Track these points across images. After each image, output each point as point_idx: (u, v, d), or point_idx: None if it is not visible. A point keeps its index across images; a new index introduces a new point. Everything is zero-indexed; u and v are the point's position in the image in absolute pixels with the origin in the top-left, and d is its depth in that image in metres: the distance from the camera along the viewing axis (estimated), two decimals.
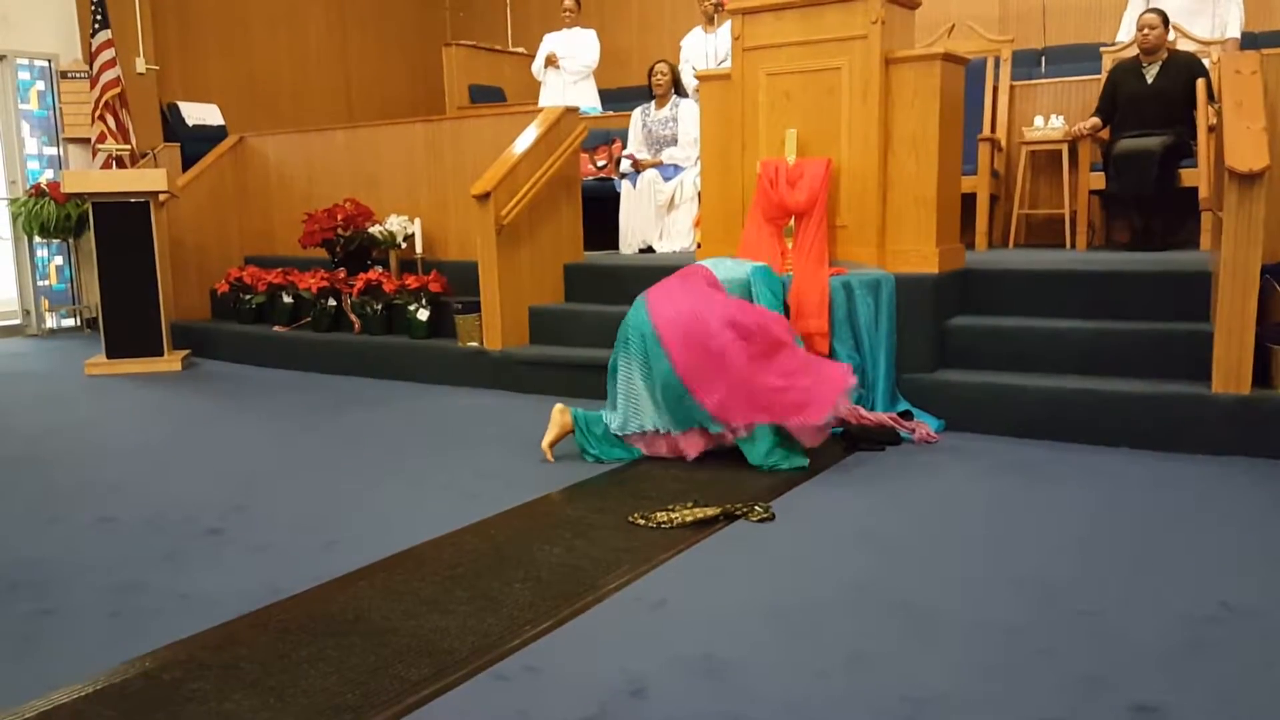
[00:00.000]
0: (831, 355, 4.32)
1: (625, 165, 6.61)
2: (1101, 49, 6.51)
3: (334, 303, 6.24)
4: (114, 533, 3.15)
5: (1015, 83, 6.59)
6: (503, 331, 5.40)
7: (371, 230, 6.33)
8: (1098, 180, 5.91)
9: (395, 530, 3.07)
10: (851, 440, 4.00)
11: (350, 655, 2.22)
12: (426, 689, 2.05)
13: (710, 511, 3.10)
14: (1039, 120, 6.29)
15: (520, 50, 9.70)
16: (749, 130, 4.73)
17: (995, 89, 6.50)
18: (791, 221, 4.54)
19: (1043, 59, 7.72)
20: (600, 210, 6.57)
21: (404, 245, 6.32)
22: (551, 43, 8.11)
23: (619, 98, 8.46)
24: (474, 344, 5.51)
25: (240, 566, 2.82)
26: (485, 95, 8.88)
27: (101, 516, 3.31)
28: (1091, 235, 6.12)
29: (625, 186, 6.57)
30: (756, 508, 3.14)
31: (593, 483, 3.59)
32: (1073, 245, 6.05)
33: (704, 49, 7.15)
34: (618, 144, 7.03)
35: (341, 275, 6.31)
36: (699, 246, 5.22)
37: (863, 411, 4.16)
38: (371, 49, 10.03)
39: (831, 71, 4.48)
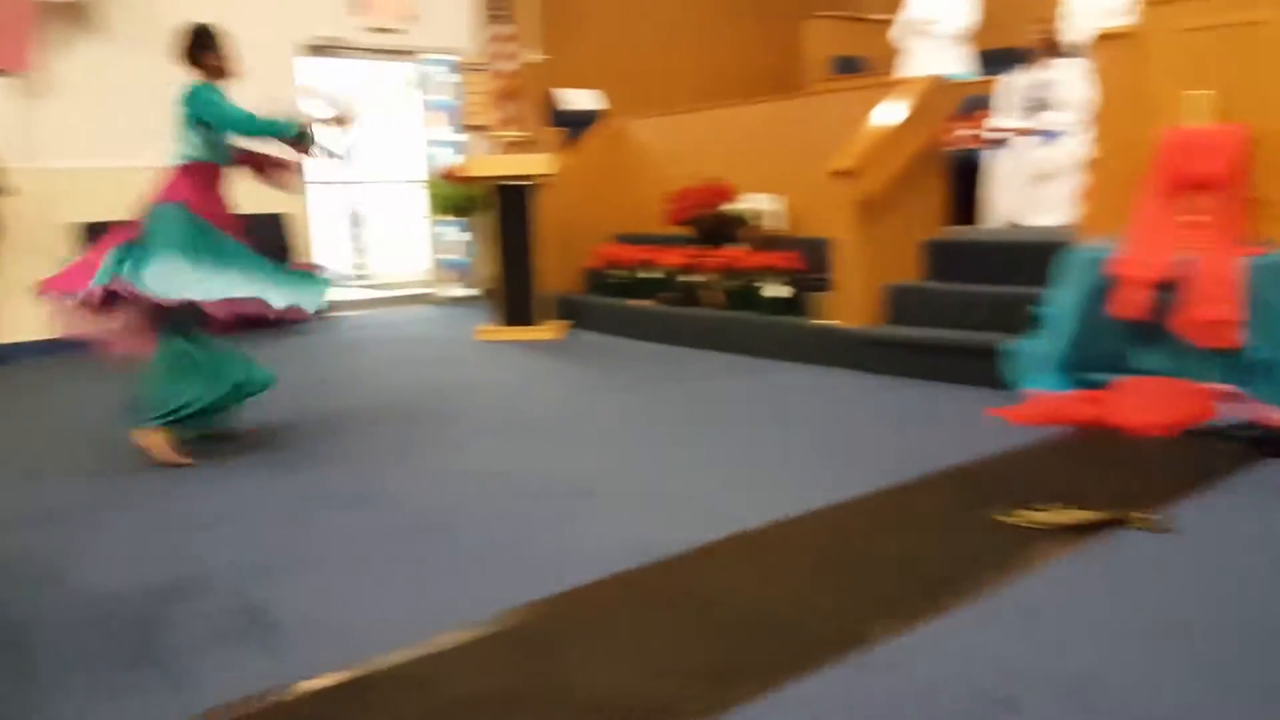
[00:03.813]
0: (1247, 349, 3.80)
1: (996, 134, 6.20)
2: None
3: (693, 279, 6.46)
4: (499, 487, 3.47)
5: None
6: (858, 309, 5.31)
7: (732, 208, 6.46)
8: None
9: (751, 507, 3.12)
10: (1269, 445, 3.49)
11: (715, 626, 2.29)
12: (785, 670, 2.06)
13: (1095, 515, 2.84)
14: None
15: (885, 17, 9.41)
16: (1153, 93, 4.24)
17: None
18: (1199, 196, 4.03)
19: None
20: (966, 182, 6.23)
21: (763, 222, 6.39)
22: (918, 6, 7.78)
23: (994, 60, 7.94)
24: (828, 322, 5.46)
25: (611, 527, 3.00)
26: (847, 67, 8.71)
27: (487, 471, 3.66)
28: None
29: (994, 157, 6.18)
30: (1150, 516, 2.84)
31: (954, 472, 3.43)
32: None
33: (1098, 3, 6.51)
34: (988, 111, 6.62)
35: (702, 252, 6.50)
36: (1079, 222, 4.80)
37: None
38: (732, 28, 10.17)
39: (1257, 25, 3.90)
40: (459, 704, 1.99)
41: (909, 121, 5.34)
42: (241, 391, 4.10)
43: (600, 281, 7.35)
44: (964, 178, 6.28)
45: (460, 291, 9.24)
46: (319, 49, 8.15)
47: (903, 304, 5.35)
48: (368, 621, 2.39)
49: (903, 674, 2.05)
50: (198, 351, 3.95)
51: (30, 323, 6.55)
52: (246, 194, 4.22)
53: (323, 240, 8.46)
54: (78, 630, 2.40)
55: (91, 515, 3.31)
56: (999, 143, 6.20)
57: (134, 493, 3.54)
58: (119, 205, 4.01)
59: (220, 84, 4.02)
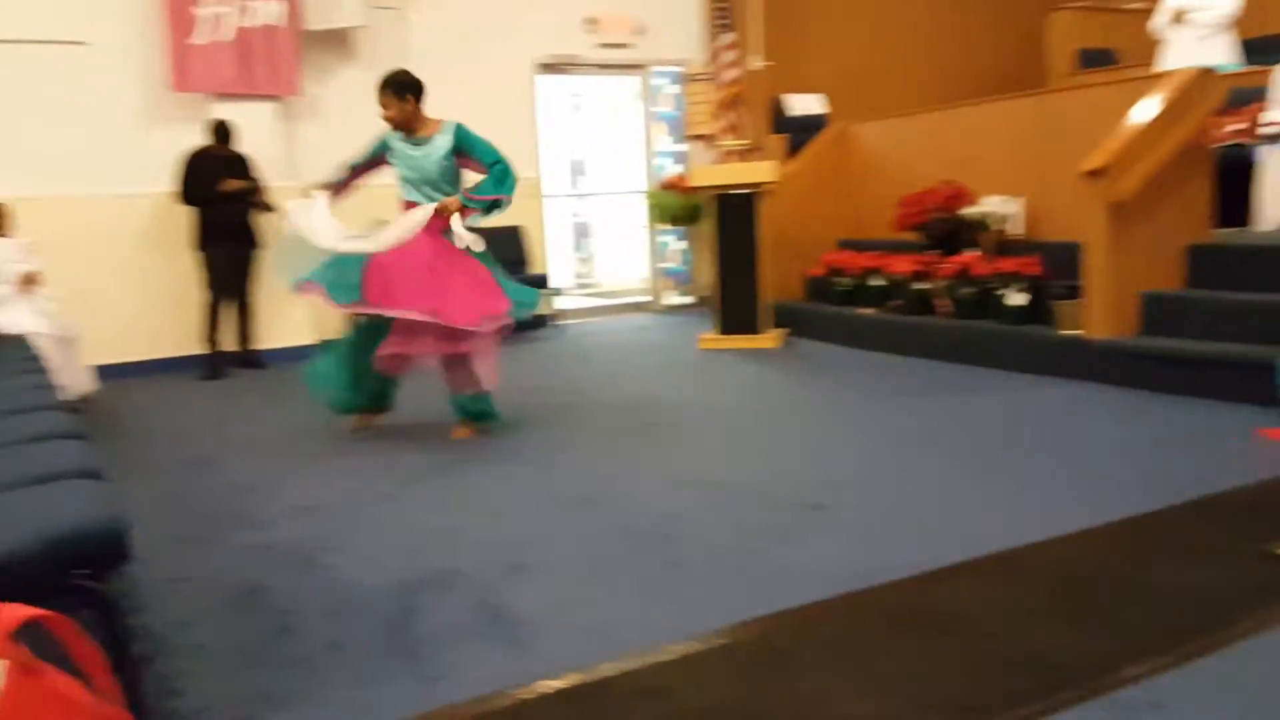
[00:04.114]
0: None
1: (1271, 128, 5.63)
2: None
3: (924, 286, 6.22)
4: (728, 498, 3.46)
5: None
6: (1109, 319, 4.95)
7: (967, 211, 6.18)
8: None
9: (990, 527, 2.96)
10: None
11: (950, 653, 2.18)
12: (1033, 704, 1.94)
13: None
14: None
15: (1138, 6, 8.76)
16: None
17: None
18: None
19: None
20: (1236, 182, 5.69)
21: (1001, 226, 6.07)
22: None
23: (1261, 49, 7.22)
24: (1075, 332, 5.12)
25: (840, 544, 2.92)
26: (1095, 59, 8.17)
27: (716, 481, 3.66)
28: None
29: (1267, 154, 5.61)
30: None
31: (1222, 498, 3.13)
32: None
33: None
34: (1260, 104, 6.02)
35: (933, 258, 6.26)
36: None
37: None
38: (968, 24, 9.76)
39: None
40: (693, 714, 1.98)
41: (1169, 117, 4.94)
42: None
43: (823, 289, 7.21)
44: (1233, 177, 5.76)
45: (679, 299, 9.35)
46: (551, 67, 8.46)
47: (1160, 313, 4.94)
48: (601, 624, 2.44)
49: (1167, 717, 1.87)
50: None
51: (291, 329, 7.19)
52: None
53: (554, 250, 8.78)
54: (339, 618, 2.57)
55: (352, 508, 3.56)
56: (1275, 138, 5.64)
57: (389, 488, 3.78)
58: (372, 222, 4.38)
59: (397, 131, 4.40)
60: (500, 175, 4.34)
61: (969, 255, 6.02)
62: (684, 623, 2.40)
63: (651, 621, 2.44)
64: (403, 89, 4.32)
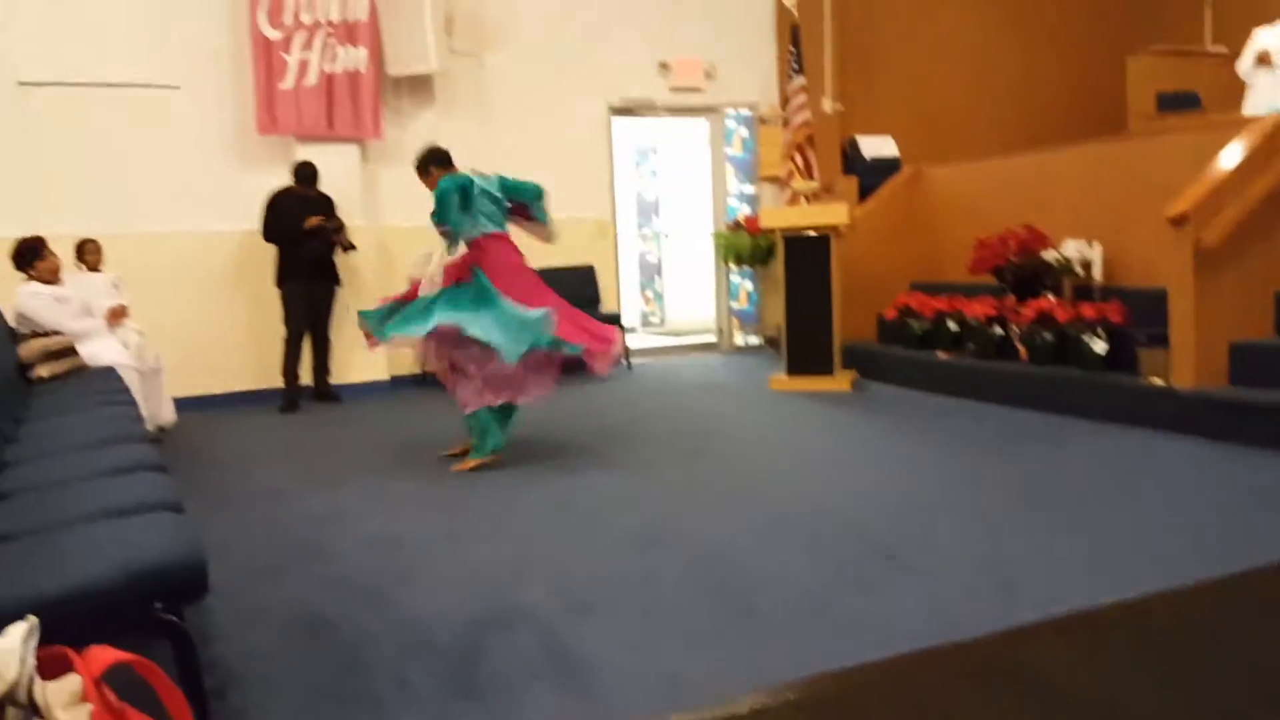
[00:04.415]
0: None
1: None
2: None
3: (1000, 331, 6.10)
4: (799, 543, 3.39)
5: None
6: (1197, 368, 4.79)
7: (1046, 256, 6.06)
8: None
9: (1073, 583, 2.86)
10: None
11: (1035, 717, 2.09)
12: None
13: None
14: None
15: (1220, 50, 8.58)
16: None
17: None
18: None
19: None
20: None
21: (1081, 272, 5.94)
22: (1265, 38, 7.02)
23: None
24: (1159, 381, 4.97)
25: (914, 595, 2.85)
26: (1176, 103, 7.99)
27: (787, 525, 3.60)
28: None
29: None
30: None
31: None
32: None
33: None
34: None
35: (1010, 302, 6.15)
36: None
37: None
38: (1046, 67, 9.63)
39: None
40: None
41: (1256, 161, 4.80)
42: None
43: (895, 331, 7.12)
44: None
45: (748, 340, 9.31)
46: (624, 110, 8.55)
47: (1249, 363, 4.76)
48: (667, 670, 2.40)
49: None
50: None
51: (366, 365, 7.31)
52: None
53: (625, 289, 8.81)
54: (408, 654, 2.57)
55: (421, 542, 3.58)
56: None
57: (458, 522, 3.80)
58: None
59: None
60: (437, 200, 4.67)
61: (1047, 300, 5.89)
62: (753, 672, 2.35)
63: (719, 669, 2.39)
64: (423, 166, 4.89)
